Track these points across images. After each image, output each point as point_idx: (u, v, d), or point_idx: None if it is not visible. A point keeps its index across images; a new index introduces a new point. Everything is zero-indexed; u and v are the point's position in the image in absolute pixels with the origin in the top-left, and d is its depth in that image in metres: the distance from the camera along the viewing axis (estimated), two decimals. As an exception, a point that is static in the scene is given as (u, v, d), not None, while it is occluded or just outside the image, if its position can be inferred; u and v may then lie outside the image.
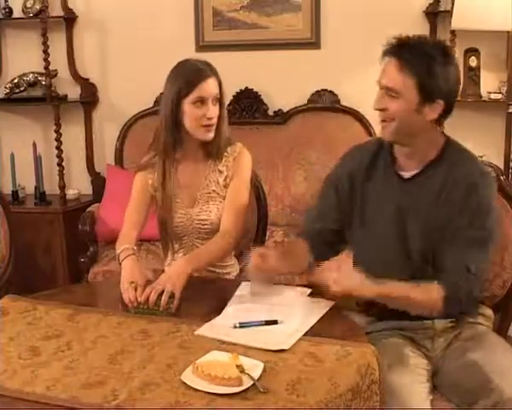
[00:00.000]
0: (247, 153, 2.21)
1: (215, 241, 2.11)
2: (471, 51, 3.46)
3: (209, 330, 1.64)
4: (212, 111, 2.08)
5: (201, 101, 2.06)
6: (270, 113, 3.79)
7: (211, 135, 2.11)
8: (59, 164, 3.73)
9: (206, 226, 2.16)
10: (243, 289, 1.92)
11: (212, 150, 2.16)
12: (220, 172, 2.17)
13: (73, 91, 3.93)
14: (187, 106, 2.07)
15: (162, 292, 1.80)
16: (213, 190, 2.17)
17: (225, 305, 1.80)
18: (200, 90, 2.05)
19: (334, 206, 1.95)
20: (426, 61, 1.72)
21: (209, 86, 2.07)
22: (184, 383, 1.37)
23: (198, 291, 1.92)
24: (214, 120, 2.09)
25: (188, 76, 2.07)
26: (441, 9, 3.50)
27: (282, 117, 3.76)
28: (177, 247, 2.23)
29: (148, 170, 2.19)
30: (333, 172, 2.02)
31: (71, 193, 3.85)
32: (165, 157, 2.14)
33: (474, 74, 3.44)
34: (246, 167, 2.20)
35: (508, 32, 3.29)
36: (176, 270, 1.92)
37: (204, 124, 2.08)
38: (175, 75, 2.10)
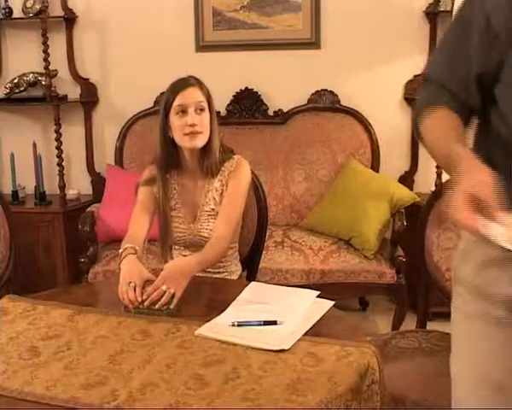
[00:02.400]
0: (245, 164, 2.21)
1: (213, 245, 2.10)
2: (471, 51, 3.46)
3: (209, 330, 1.64)
4: (194, 118, 2.08)
5: (183, 109, 2.08)
6: (270, 113, 3.79)
7: (197, 143, 2.10)
8: (59, 164, 3.73)
9: (206, 242, 2.15)
10: (250, 289, 1.91)
11: (207, 168, 2.16)
12: (216, 189, 2.18)
13: (73, 91, 3.92)
14: (172, 118, 2.10)
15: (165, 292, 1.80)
16: (212, 209, 2.18)
17: (225, 305, 1.79)
18: (180, 98, 2.08)
19: (483, 45, 1.24)
20: None
21: (189, 94, 2.09)
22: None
23: (198, 291, 1.92)
24: (198, 128, 2.09)
25: (172, 87, 2.13)
26: (441, 9, 3.51)
27: (282, 117, 3.76)
28: (182, 253, 2.25)
29: (151, 185, 2.20)
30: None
31: (71, 193, 3.85)
32: (162, 173, 2.16)
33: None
34: (243, 178, 2.19)
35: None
36: (182, 268, 1.90)
37: (186, 132, 2.08)
38: (165, 91, 2.15)
